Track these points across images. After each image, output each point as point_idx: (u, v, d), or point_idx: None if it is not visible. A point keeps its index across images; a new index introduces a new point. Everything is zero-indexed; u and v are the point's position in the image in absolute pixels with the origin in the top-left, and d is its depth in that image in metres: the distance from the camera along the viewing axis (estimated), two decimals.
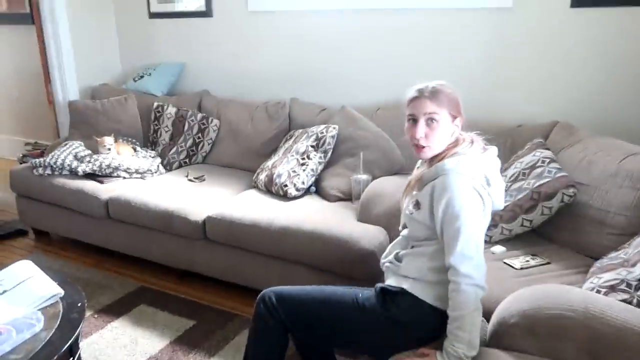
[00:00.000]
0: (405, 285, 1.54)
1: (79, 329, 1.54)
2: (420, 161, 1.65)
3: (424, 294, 1.51)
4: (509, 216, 2.04)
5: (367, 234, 2.17)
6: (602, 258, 1.75)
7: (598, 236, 1.91)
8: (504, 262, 1.89)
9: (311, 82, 3.21)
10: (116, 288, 2.64)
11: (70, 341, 1.48)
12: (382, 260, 1.70)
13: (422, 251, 1.55)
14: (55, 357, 1.40)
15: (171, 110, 3.31)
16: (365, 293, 1.59)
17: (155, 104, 3.37)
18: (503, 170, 2.26)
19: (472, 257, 1.40)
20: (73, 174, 2.98)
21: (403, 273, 1.56)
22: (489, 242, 2.05)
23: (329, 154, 2.68)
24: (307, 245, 2.23)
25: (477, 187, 1.45)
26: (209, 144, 3.26)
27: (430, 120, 1.47)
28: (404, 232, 1.66)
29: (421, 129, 1.48)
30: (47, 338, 1.47)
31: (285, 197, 2.58)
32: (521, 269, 1.84)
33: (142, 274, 2.81)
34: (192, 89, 3.66)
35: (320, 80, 3.19)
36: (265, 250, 2.37)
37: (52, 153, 3.06)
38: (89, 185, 2.86)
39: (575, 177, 2.01)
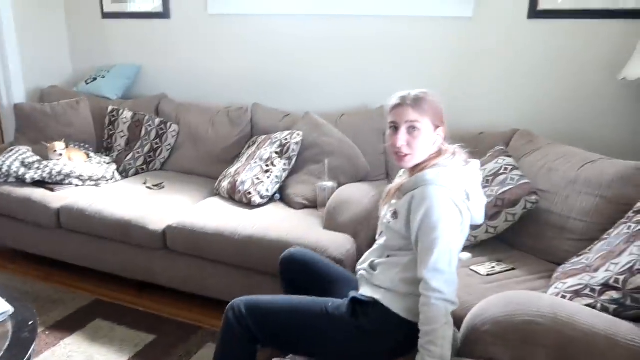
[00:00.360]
0: (377, 295, 1.52)
1: (31, 349, 1.43)
2: (402, 170, 1.64)
3: (395, 305, 1.50)
4: None
5: (335, 242, 2.15)
6: (565, 263, 1.79)
7: (559, 241, 1.96)
8: (470, 269, 1.91)
9: (274, 87, 3.17)
10: (68, 302, 2.50)
11: None
12: (357, 267, 1.68)
13: (396, 261, 1.54)
14: None
15: (127, 114, 3.18)
16: (335, 302, 1.57)
17: (110, 107, 3.23)
18: None
19: (445, 272, 1.39)
20: (20, 181, 2.80)
21: (376, 282, 1.55)
22: None
23: (294, 161, 2.64)
24: (273, 254, 2.15)
25: (456, 200, 1.43)
26: (167, 150, 3.16)
27: (411, 129, 1.46)
28: (381, 240, 1.64)
29: (402, 136, 1.46)
30: None
31: (249, 205, 2.52)
32: (487, 275, 1.86)
33: (96, 287, 2.68)
34: (148, 93, 3.53)
35: (283, 85, 3.15)
36: (229, 260, 2.30)
37: None
38: (38, 194, 2.70)
39: (537, 184, 2.07)
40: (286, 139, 2.65)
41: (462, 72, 2.73)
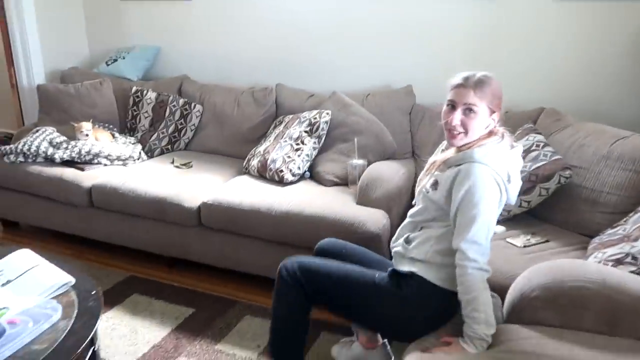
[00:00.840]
0: (414, 268, 1.59)
1: (99, 317, 1.48)
2: (444, 143, 1.69)
3: (431, 275, 1.57)
4: None
5: (371, 217, 2.21)
6: (600, 235, 1.87)
7: (591, 215, 2.03)
8: (507, 241, 1.98)
9: (297, 68, 3.20)
10: (103, 279, 2.54)
11: (94, 330, 1.42)
12: (392, 245, 1.74)
13: (430, 233, 1.59)
14: (82, 347, 1.34)
15: (151, 95, 3.20)
16: (382, 274, 1.64)
17: (134, 88, 3.25)
18: None
19: (481, 245, 1.46)
20: (49, 161, 2.83)
21: (411, 255, 1.61)
22: None
23: (323, 140, 2.68)
24: (311, 229, 2.24)
25: (498, 180, 1.49)
26: (191, 130, 3.19)
27: (468, 110, 1.50)
28: (414, 211, 1.68)
29: (458, 116, 1.51)
30: (69, 327, 1.40)
31: (280, 182, 2.57)
32: (524, 246, 1.93)
33: (128, 264, 2.72)
34: (168, 74, 3.55)
35: (306, 66, 3.18)
36: (265, 236, 2.35)
37: (24, 140, 2.89)
38: (69, 173, 2.72)
39: (568, 160, 2.13)
40: (315, 118, 2.69)
41: (486, 51, 2.77)
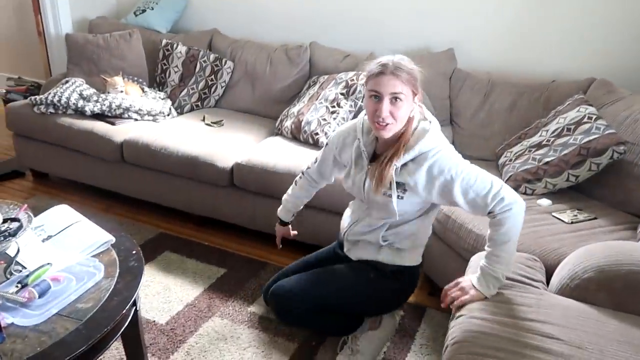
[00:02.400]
0: (402, 261, 1.66)
1: (141, 277, 1.46)
2: (359, 142, 1.62)
3: (415, 259, 1.69)
4: (554, 171, 2.05)
5: None
6: None
7: None
8: (553, 216, 1.91)
9: (332, 26, 3.07)
10: (134, 234, 2.55)
11: (137, 291, 1.41)
12: (349, 233, 1.75)
13: (411, 228, 1.62)
14: (126, 307, 1.34)
15: (181, 49, 3.11)
16: (373, 273, 1.69)
17: (164, 41, 3.16)
18: (543, 125, 2.26)
19: (502, 183, 1.44)
20: (79, 113, 2.79)
21: (397, 246, 1.65)
22: (532, 194, 2.07)
23: (360, 103, 2.59)
24: (347, 195, 2.18)
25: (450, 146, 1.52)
26: (222, 87, 3.11)
27: (395, 99, 1.43)
28: (377, 217, 1.64)
29: (386, 107, 1.43)
30: (112, 287, 1.39)
31: (315, 145, 2.50)
32: (571, 222, 1.86)
33: (158, 220, 2.72)
34: (196, 28, 3.44)
35: (341, 24, 3.05)
36: None
37: (54, 90, 2.84)
38: (100, 127, 2.69)
39: (620, 135, 2.03)
40: (352, 80, 2.60)
41: (534, 16, 2.62)
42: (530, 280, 1.53)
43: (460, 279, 1.50)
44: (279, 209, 1.99)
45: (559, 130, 2.14)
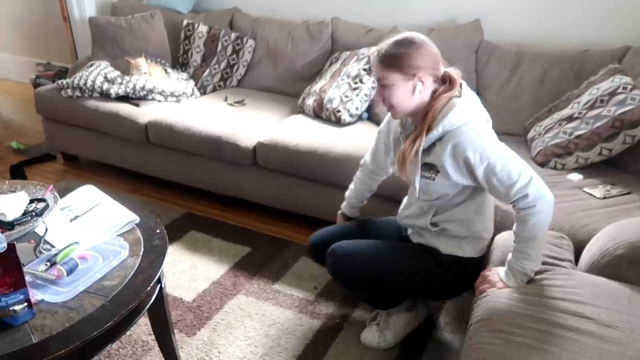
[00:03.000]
0: (460, 252, 1.59)
1: (165, 256, 1.48)
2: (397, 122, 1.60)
3: (474, 251, 1.59)
4: (586, 144, 1.97)
5: None
6: None
7: None
8: (584, 191, 1.85)
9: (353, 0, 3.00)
10: (161, 214, 2.58)
11: (161, 268, 1.43)
12: (405, 217, 1.69)
13: (463, 210, 1.55)
14: (151, 285, 1.36)
15: (202, 28, 3.10)
16: (433, 261, 1.62)
17: (185, 21, 3.15)
18: (575, 97, 2.17)
19: (532, 176, 1.38)
20: (104, 96, 2.83)
21: (453, 233, 1.58)
22: (563, 169, 2.00)
23: None
24: None
25: (485, 125, 1.45)
26: (244, 67, 3.10)
27: (382, 86, 1.44)
28: (421, 200, 1.59)
29: (378, 93, 1.47)
30: (137, 265, 1.42)
31: (337, 123, 2.48)
32: (603, 198, 1.80)
33: (184, 200, 2.76)
34: (217, 7, 3.42)
35: None
36: (321, 178, 2.30)
37: (80, 74, 2.88)
38: (125, 108, 2.72)
39: None
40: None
41: None
42: (558, 260, 1.48)
43: (487, 272, 1.47)
44: (342, 204, 1.92)
45: (591, 101, 2.05)
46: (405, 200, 1.74)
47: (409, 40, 1.42)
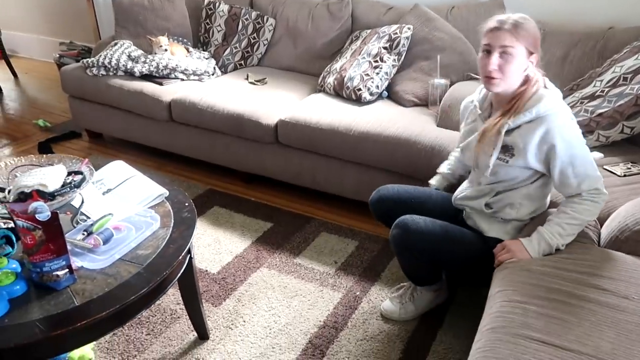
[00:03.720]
0: (507, 237, 1.60)
1: (195, 227, 1.55)
2: (474, 97, 1.64)
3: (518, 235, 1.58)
4: (608, 122, 1.98)
5: (453, 140, 2.12)
6: None
7: None
8: (605, 168, 1.86)
9: None
10: (185, 190, 2.63)
11: (191, 239, 1.49)
12: (460, 199, 1.71)
13: (517, 197, 1.57)
14: (182, 254, 1.42)
15: (223, 7, 3.13)
16: (486, 247, 1.62)
17: (207, 0, 3.18)
18: (597, 75, 2.16)
19: (601, 179, 1.45)
20: (128, 74, 2.88)
21: (506, 217, 1.60)
22: None
23: (403, 57, 2.55)
24: (390, 151, 2.20)
25: (573, 119, 1.49)
26: (264, 45, 3.12)
27: (504, 53, 1.43)
28: (484, 180, 1.61)
29: (495, 60, 1.43)
30: (168, 236, 1.48)
31: (358, 101, 2.50)
32: (624, 175, 1.81)
33: (207, 177, 2.82)
34: None
35: None
36: (342, 155, 2.34)
37: (104, 53, 2.94)
38: (149, 87, 2.77)
39: None
40: (395, 33, 2.55)
41: None
42: (579, 236, 1.50)
43: (507, 242, 1.51)
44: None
45: (614, 80, 2.04)
46: (464, 184, 1.76)
47: (533, 21, 1.47)
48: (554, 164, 1.44)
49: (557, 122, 1.42)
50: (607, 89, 2.04)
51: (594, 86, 2.10)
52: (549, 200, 1.64)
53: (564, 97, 2.16)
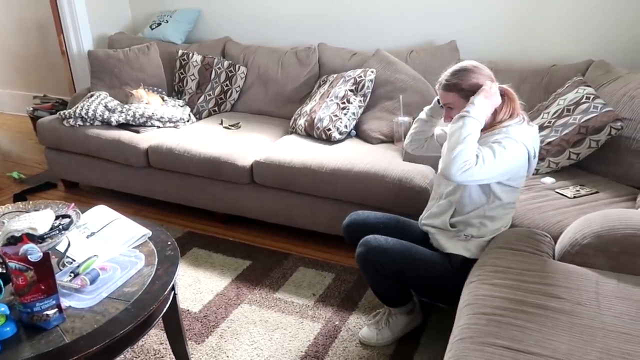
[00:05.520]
0: (466, 254, 1.74)
1: (178, 265, 1.62)
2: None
3: (479, 252, 1.72)
4: (556, 150, 2.16)
5: (419, 173, 2.28)
6: None
7: None
8: (557, 192, 2.03)
9: (338, 26, 3.21)
10: None
11: (175, 276, 1.56)
12: (424, 221, 1.86)
13: (483, 213, 1.72)
14: (167, 290, 1.49)
15: (197, 57, 3.29)
16: (449, 266, 1.76)
17: (180, 51, 3.34)
18: (544, 108, 2.37)
19: (495, 166, 1.57)
20: (105, 124, 2.97)
21: (466, 233, 1.74)
22: (537, 174, 2.18)
23: (368, 98, 2.73)
24: (361, 185, 2.33)
25: (529, 148, 1.64)
26: (237, 92, 3.27)
27: (449, 108, 1.72)
28: (445, 200, 1.78)
29: (446, 115, 1.74)
30: (153, 273, 1.55)
31: (328, 140, 2.65)
32: (574, 197, 1.98)
33: (184, 220, 2.89)
34: (210, 37, 3.61)
35: (347, 24, 3.19)
36: (315, 192, 2.46)
37: (81, 104, 3.03)
38: (126, 135, 2.86)
39: (618, 112, 2.13)
40: (360, 77, 2.73)
41: (531, 4, 2.73)
42: (537, 251, 1.64)
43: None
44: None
45: (559, 111, 2.25)
46: (428, 205, 1.90)
47: (462, 67, 1.70)
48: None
49: (507, 135, 1.62)
50: (553, 120, 2.24)
51: (542, 118, 2.31)
52: (510, 221, 1.78)
53: None
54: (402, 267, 1.74)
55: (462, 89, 1.66)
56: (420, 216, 1.90)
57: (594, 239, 1.55)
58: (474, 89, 1.64)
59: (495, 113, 1.67)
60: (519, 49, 2.79)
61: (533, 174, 2.17)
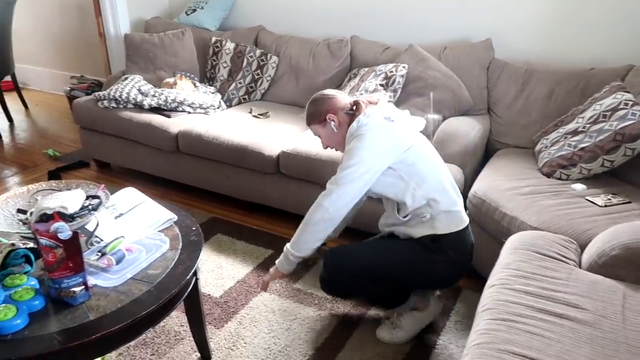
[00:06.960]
0: (432, 230, 1.74)
1: (201, 249, 1.65)
2: None
3: (448, 227, 1.74)
4: (589, 156, 2.10)
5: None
6: None
7: None
8: (587, 199, 1.98)
9: (371, 19, 3.19)
10: None
11: (197, 261, 1.59)
12: (384, 227, 1.89)
13: (409, 199, 1.75)
14: (189, 274, 1.52)
15: (229, 45, 3.31)
16: (419, 246, 1.75)
17: (214, 38, 3.36)
18: (580, 112, 2.30)
19: (359, 170, 1.70)
20: (138, 107, 3.03)
21: (422, 219, 1.76)
22: (567, 179, 2.13)
23: (398, 93, 2.71)
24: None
25: (382, 120, 1.73)
26: (267, 81, 3.29)
27: (319, 137, 1.91)
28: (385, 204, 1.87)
29: (320, 143, 1.93)
30: (176, 257, 1.58)
31: None
32: (605, 206, 1.92)
33: (210, 206, 2.93)
34: (243, 25, 3.63)
35: (381, 17, 3.16)
36: None
37: (116, 86, 3.10)
38: (157, 119, 2.92)
39: None
40: (391, 72, 2.71)
41: (571, 4, 2.64)
42: (563, 257, 1.61)
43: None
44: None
45: (594, 117, 2.18)
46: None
47: (311, 100, 1.90)
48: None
49: (355, 132, 1.73)
50: (588, 125, 2.18)
51: (577, 122, 2.24)
52: (445, 182, 1.78)
53: (550, 132, 2.31)
54: (372, 262, 1.78)
55: (315, 120, 1.87)
56: (378, 223, 1.91)
57: (623, 251, 1.51)
58: (324, 115, 1.83)
59: (346, 128, 1.80)
60: (556, 50, 2.72)
61: (564, 180, 2.12)
